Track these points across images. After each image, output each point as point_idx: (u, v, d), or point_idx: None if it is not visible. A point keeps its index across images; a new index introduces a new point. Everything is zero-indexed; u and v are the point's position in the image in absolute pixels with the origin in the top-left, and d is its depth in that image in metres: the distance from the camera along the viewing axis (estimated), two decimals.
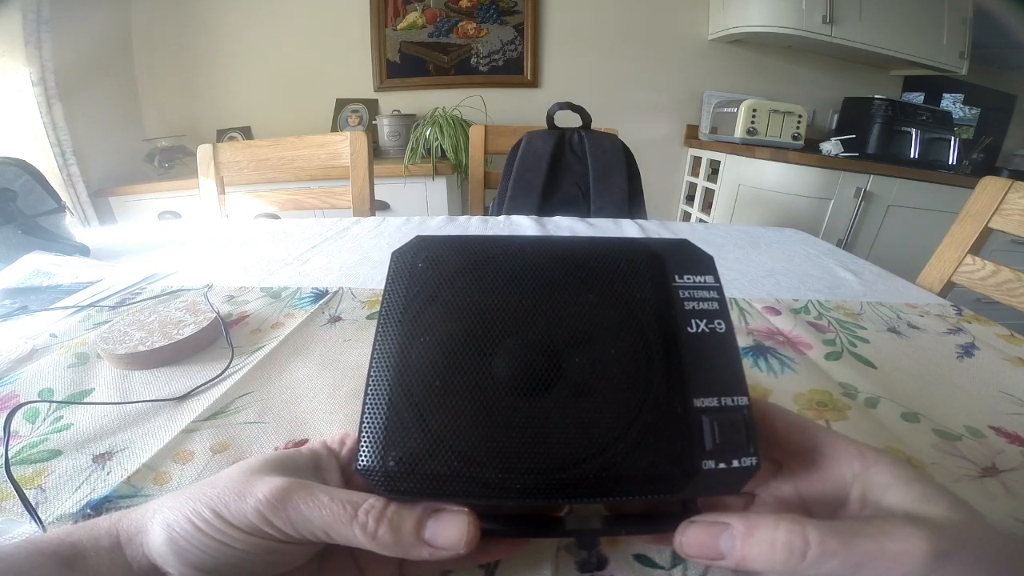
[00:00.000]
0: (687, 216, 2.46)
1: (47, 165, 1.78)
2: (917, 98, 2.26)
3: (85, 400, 0.40)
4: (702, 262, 0.27)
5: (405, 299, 0.25)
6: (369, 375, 0.23)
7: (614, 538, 0.28)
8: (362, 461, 0.21)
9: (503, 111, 2.30)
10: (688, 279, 0.26)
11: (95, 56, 2.00)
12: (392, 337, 0.24)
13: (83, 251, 0.79)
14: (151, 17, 2.19)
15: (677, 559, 0.27)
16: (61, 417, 0.38)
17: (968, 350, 0.51)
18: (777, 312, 0.59)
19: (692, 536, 0.21)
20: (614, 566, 0.27)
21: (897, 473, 0.21)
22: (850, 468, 0.22)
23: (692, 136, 2.40)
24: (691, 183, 2.44)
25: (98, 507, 0.30)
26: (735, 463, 0.21)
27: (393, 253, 0.26)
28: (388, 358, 0.23)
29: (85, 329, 0.52)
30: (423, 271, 0.25)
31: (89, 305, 0.58)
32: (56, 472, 0.32)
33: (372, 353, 0.24)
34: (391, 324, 0.24)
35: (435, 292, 0.25)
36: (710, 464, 0.21)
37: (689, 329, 0.24)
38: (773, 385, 0.44)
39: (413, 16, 2.24)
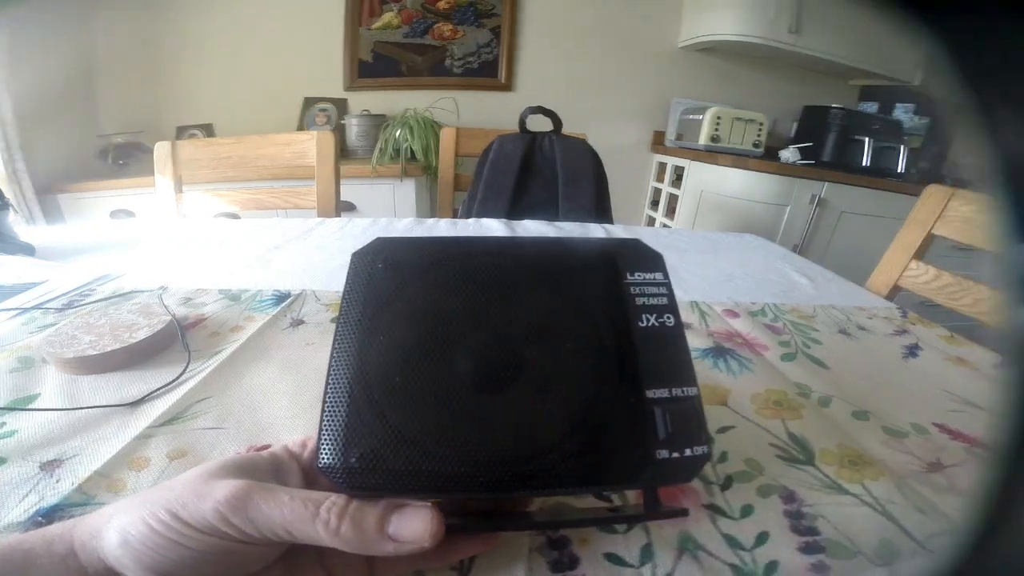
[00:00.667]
0: (652, 221, 2.50)
1: None
2: (872, 108, 2.34)
3: (30, 406, 0.38)
4: (652, 260, 0.28)
5: (364, 299, 0.25)
6: (328, 374, 0.23)
7: (585, 538, 0.29)
8: (323, 459, 0.22)
9: (475, 113, 2.29)
10: (639, 276, 0.27)
11: (48, 46, 1.90)
12: (351, 336, 0.24)
13: (28, 250, 0.75)
14: (110, 9, 2.09)
15: (646, 556, 0.28)
16: (4, 423, 0.36)
17: (912, 351, 0.54)
18: (736, 315, 0.61)
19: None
20: (586, 565, 0.27)
21: None
22: None
23: (659, 142, 2.45)
24: (656, 188, 2.48)
25: (49, 515, 0.28)
26: (687, 452, 0.22)
27: (353, 254, 0.27)
28: (347, 357, 0.23)
29: (29, 332, 0.50)
30: (383, 272, 0.26)
31: (34, 307, 0.55)
32: (1, 481, 0.31)
33: (331, 352, 0.24)
34: (350, 324, 0.24)
35: (394, 292, 0.25)
36: (664, 453, 0.22)
37: (640, 323, 0.25)
38: (732, 385, 0.45)
39: (389, 16, 2.21)
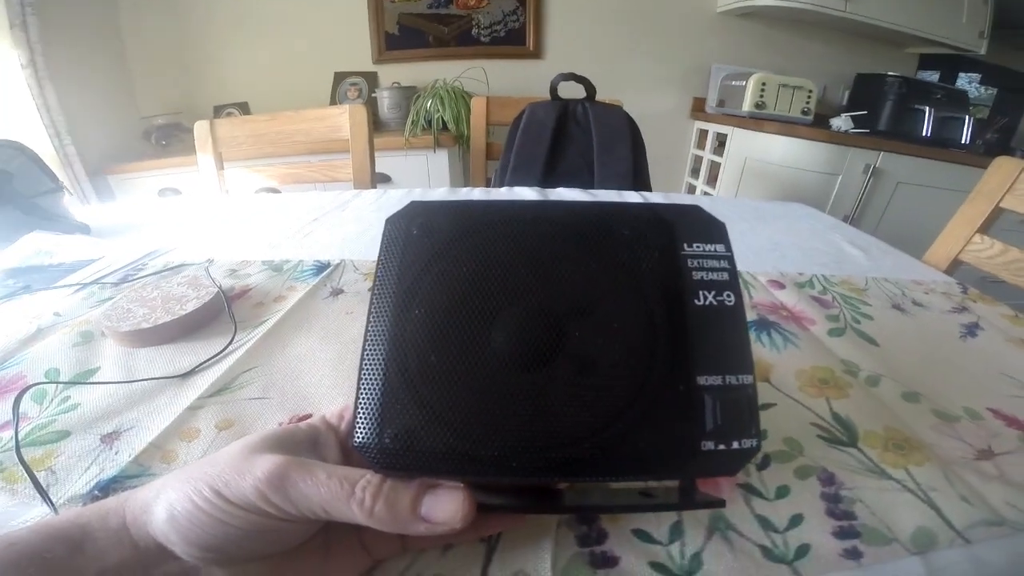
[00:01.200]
0: (692, 189, 2.42)
1: (43, 146, 1.76)
2: (932, 76, 2.19)
3: (91, 380, 0.40)
4: (714, 230, 0.25)
5: (399, 269, 0.24)
6: (364, 349, 0.23)
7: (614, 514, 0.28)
8: (358, 437, 0.21)
9: (505, 82, 2.24)
10: (698, 247, 0.24)
11: (85, 35, 1.95)
12: (386, 309, 0.23)
13: (84, 229, 0.79)
14: None
15: (675, 534, 0.27)
16: (68, 397, 0.38)
17: (972, 330, 0.51)
18: (782, 286, 0.58)
19: None
20: (613, 541, 0.27)
21: None
22: None
23: (699, 109, 2.35)
24: (697, 156, 2.40)
25: (106, 488, 0.30)
26: (735, 444, 0.21)
27: (387, 220, 0.25)
28: (382, 331, 0.23)
29: (89, 307, 0.53)
30: (418, 238, 0.24)
31: (92, 282, 0.58)
32: (66, 453, 0.33)
33: (367, 326, 0.23)
34: (385, 296, 0.23)
35: (430, 261, 0.24)
36: (709, 445, 0.21)
37: (696, 301, 0.23)
38: (775, 360, 0.44)
39: None
